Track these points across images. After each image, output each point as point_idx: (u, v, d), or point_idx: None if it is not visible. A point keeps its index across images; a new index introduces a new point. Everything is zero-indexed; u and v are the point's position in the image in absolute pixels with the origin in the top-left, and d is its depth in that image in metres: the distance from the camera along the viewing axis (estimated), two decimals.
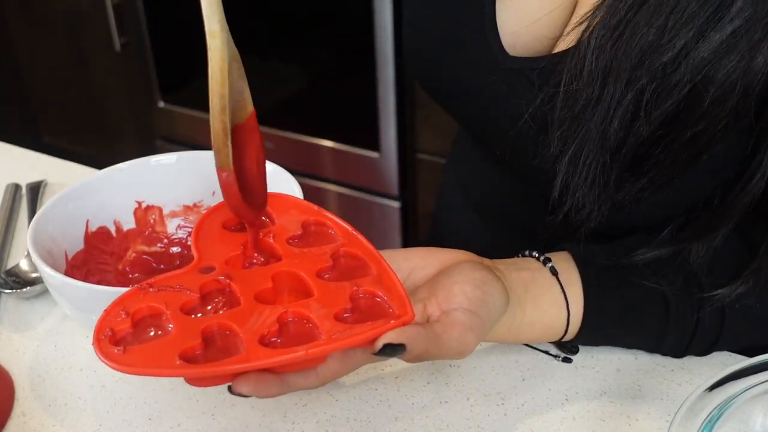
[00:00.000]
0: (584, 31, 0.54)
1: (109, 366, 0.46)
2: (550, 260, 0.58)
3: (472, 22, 0.64)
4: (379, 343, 0.47)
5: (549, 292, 0.57)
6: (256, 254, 0.55)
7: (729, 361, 0.60)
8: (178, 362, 0.46)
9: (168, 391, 0.59)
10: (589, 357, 0.61)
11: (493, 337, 0.56)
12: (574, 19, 0.57)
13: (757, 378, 0.47)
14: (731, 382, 0.47)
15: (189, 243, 0.69)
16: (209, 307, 0.50)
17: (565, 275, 0.57)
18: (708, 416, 0.45)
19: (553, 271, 0.57)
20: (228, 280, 0.51)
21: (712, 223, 0.56)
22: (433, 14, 0.68)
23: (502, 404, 0.57)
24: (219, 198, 0.70)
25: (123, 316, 0.48)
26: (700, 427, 0.44)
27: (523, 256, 0.60)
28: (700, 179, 0.57)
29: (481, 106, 0.66)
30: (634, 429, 0.55)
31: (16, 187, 0.84)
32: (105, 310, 0.49)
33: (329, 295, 0.50)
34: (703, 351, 0.60)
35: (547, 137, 0.58)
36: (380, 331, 0.47)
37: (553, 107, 0.55)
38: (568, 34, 0.57)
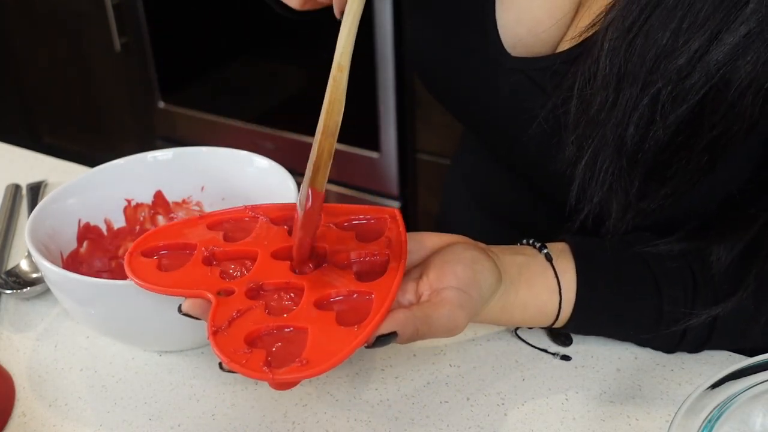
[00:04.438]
0: (596, 32, 0.53)
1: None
2: (545, 247, 0.59)
3: (472, 24, 0.63)
4: (372, 337, 0.47)
5: (542, 276, 0.57)
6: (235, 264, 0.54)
7: (729, 361, 0.60)
8: None
9: (168, 391, 0.59)
10: (589, 357, 0.61)
11: (485, 317, 0.56)
12: (582, 22, 0.56)
13: (757, 378, 0.47)
14: (731, 382, 0.47)
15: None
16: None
17: (560, 263, 0.58)
18: (708, 416, 0.45)
19: (548, 258, 0.58)
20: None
21: (738, 226, 0.56)
22: (435, 17, 0.68)
23: (502, 404, 0.57)
24: (207, 194, 0.71)
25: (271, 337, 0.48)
26: (700, 427, 0.44)
27: (521, 244, 0.60)
28: (716, 185, 0.56)
29: (483, 108, 0.66)
30: (634, 429, 0.55)
31: (17, 188, 0.84)
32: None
33: (339, 239, 0.54)
34: (693, 350, 0.60)
35: (551, 140, 0.58)
36: (403, 230, 0.56)
37: (567, 111, 0.55)
38: (574, 36, 0.57)
